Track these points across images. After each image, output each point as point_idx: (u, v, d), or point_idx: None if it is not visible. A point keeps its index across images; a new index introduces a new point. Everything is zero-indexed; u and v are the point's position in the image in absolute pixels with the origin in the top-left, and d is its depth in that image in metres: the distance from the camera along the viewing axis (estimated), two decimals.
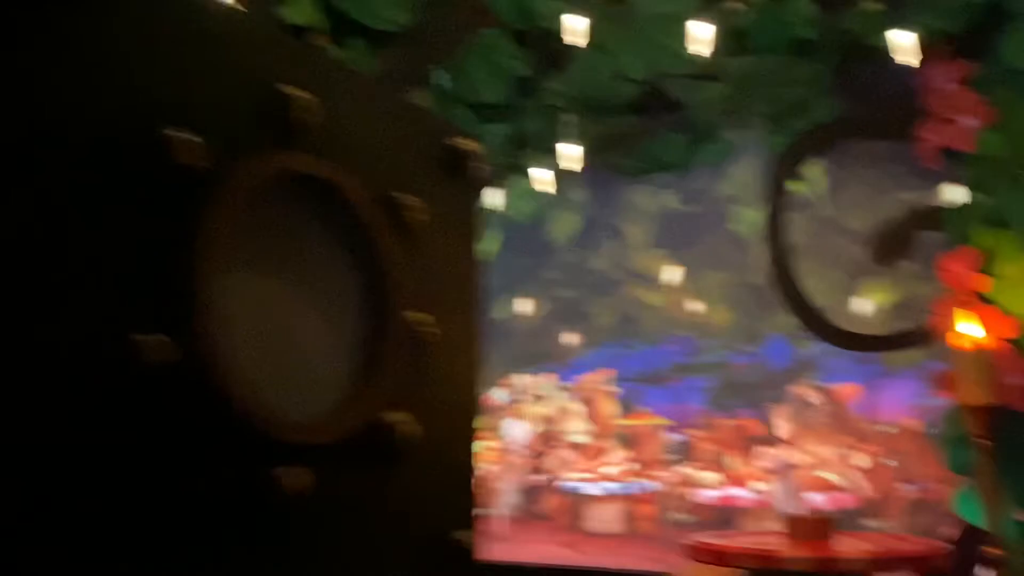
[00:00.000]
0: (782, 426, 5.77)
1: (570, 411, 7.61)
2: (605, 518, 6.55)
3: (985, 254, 2.07)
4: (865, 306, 5.77)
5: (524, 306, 9.08)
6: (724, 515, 5.96)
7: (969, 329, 1.92)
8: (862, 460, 5.07)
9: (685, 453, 6.82)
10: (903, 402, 6.24)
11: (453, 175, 1.18)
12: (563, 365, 8.82)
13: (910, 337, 2.27)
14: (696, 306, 7.93)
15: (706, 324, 8.06)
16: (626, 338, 9.03)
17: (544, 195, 5.07)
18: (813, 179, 4.39)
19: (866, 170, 4.11)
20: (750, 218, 5.81)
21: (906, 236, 2.34)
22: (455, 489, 1.06)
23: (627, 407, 7.77)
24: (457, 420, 1.09)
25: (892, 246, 2.36)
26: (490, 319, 8.45)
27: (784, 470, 5.08)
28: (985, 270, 2.05)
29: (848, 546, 1.77)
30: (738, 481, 5.89)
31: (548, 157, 3.62)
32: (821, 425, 5.57)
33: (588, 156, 3.62)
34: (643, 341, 9.11)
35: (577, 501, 6.72)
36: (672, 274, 8.06)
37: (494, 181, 4.06)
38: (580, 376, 7.94)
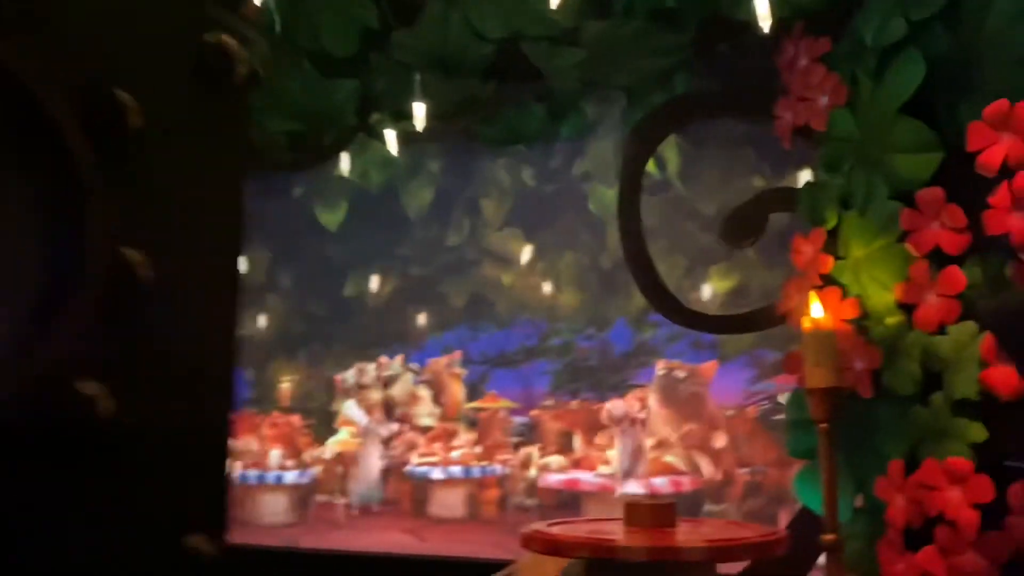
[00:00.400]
0: (652, 400, 5.79)
1: (418, 394, 7.42)
2: (449, 503, 6.38)
3: (833, 235, 2.03)
4: (706, 292, 5.93)
5: (374, 284, 8.79)
6: (570, 499, 5.93)
7: (814, 311, 1.87)
8: (710, 442, 5.17)
9: (532, 436, 6.79)
10: (736, 388, 6.50)
11: (208, 81, 0.93)
12: (412, 346, 8.60)
13: (762, 318, 2.21)
14: (547, 288, 7.93)
15: (556, 307, 8.08)
16: (477, 320, 8.95)
17: (396, 163, 4.81)
18: (667, 158, 4.38)
19: (721, 152, 4.14)
20: (607, 197, 5.76)
21: (759, 217, 2.28)
22: (188, 484, 0.83)
23: (475, 390, 7.65)
24: (193, 397, 0.86)
25: (743, 226, 2.30)
26: (341, 296, 8.10)
27: (629, 453, 5.10)
28: (833, 251, 2.01)
29: (688, 534, 1.67)
30: (585, 464, 5.89)
31: (400, 121, 3.37)
32: (685, 400, 5.62)
33: (443, 123, 3.41)
34: (494, 323, 9.07)
35: (423, 486, 6.52)
36: (526, 254, 8.01)
37: (342, 144, 3.77)
38: (429, 359, 7.77)
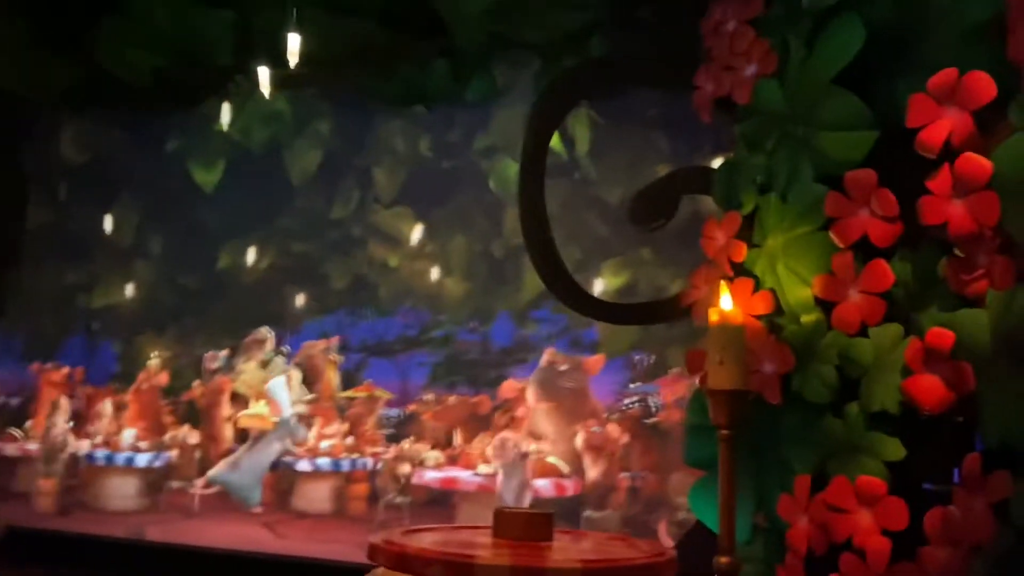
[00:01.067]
0: (530, 392, 5.43)
1: (290, 379, 6.93)
2: (314, 497, 5.94)
3: (750, 221, 1.81)
4: (597, 286, 5.74)
5: (251, 256, 8.26)
6: (443, 498, 5.59)
7: (723, 303, 1.64)
8: (588, 442, 4.89)
9: (406, 430, 6.44)
10: (611, 389, 6.29)
11: None
12: (289, 329, 8.11)
13: (664, 309, 1.98)
14: (435, 274, 7.62)
15: (441, 295, 7.77)
16: (359, 304, 8.54)
17: (282, 119, 4.43)
18: (576, 136, 4.14)
19: (632, 134, 3.93)
20: (510, 174, 5.48)
21: (670, 196, 2.04)
22: None
23: (350, 378, 7.23)
24: None
25: (654, 206, 2.06)
26: (214, 269, 7.55)
27: (510, 452, 4.78)
28: (748, 239, 1.79)
29: (563, 552, 1.39)
30: (464, 462, 5.54)
31: (282, 66, 2.98)
32: (566, 395, 5.32)
33: (332, 71, 3.06)
34: (375, 310, 8.68)
35: (287, 477, 6.05)
36: (416, 234, 7.65)
37: (216, 87, 3.36)
38: (304, 343, 7.28)
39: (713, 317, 1.61)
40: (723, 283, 1.66)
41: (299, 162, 5.87)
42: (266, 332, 7.65)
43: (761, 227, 1.77)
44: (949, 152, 1.42)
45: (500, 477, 4.72)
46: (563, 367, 5.28)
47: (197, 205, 7.02)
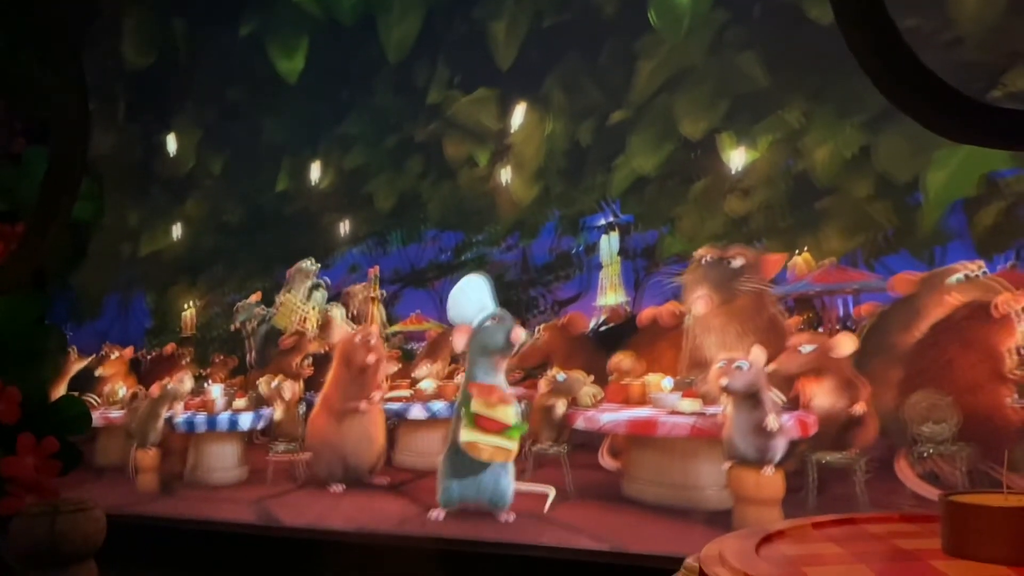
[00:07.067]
0: (698, 298, 3.94)
1: (333, 320, 6.03)
2: (424, 449, 4.86)
3: None
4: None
5: (313, 174, 7.23)
6: (592, 440, 4.26)
7: None
8: (818, 359, 3.74)
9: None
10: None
11: None
12: (320, 262, 7.14)
13: None
14: (504, 178, 6.55)
15: (494, 207, 6.70)
16: (402, 228, 7.48)
17: None
18: None
19: None
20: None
21: None
22: None
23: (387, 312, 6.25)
24: None
25: None
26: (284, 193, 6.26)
27: (743, 377, 3.22)
28: None
29: None
30: (619, 396, 4.17)
31: None
32: (745, 302, 3.99)
33: None
34: (409, 234, 7.60)
35: (392, 427, 5.11)
36: (517, 118, 6.51)
37: None
38: (347, 289, 6.29)
39: None
40: None
41: (394, 29, 4.87)
42: (309, 264, 6.74)
43: None
44: None
45: (732, 414, 3.34)
46: (737, 262, 4.14)
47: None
